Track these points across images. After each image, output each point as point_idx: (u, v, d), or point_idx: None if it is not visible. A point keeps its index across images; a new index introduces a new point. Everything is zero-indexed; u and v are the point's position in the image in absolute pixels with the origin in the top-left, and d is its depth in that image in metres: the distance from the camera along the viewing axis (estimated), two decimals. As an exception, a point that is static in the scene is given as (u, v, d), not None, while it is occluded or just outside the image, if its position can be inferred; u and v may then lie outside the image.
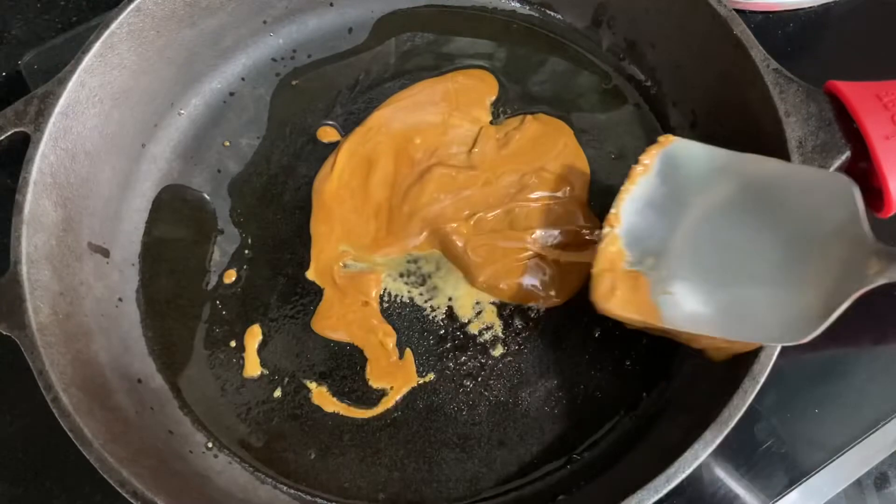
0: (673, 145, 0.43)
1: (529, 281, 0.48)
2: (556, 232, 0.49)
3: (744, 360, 0.39)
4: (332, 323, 0.49)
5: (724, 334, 0.39)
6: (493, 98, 0.55)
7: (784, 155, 0.41)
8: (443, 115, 0.53)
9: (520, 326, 0.48)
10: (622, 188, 0.43)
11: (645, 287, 0.41)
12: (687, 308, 0.40)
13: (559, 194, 0.50)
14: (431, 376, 0.47)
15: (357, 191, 0.51)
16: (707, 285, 0.40)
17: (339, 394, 0.47)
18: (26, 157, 0.44)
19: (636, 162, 0.43)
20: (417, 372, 0.47)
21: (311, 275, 0.50)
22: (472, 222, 0.49)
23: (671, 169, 0.43)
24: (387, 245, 0.50)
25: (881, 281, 0.34)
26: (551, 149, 0.52)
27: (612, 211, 0.43)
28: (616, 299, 0.41)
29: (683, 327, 0.40)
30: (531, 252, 0.49)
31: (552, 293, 0.48)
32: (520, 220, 0.50)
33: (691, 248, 0.42)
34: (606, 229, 0.43)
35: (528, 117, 0.53)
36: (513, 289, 0.48)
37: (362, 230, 0.50)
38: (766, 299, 0.38)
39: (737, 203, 0.41)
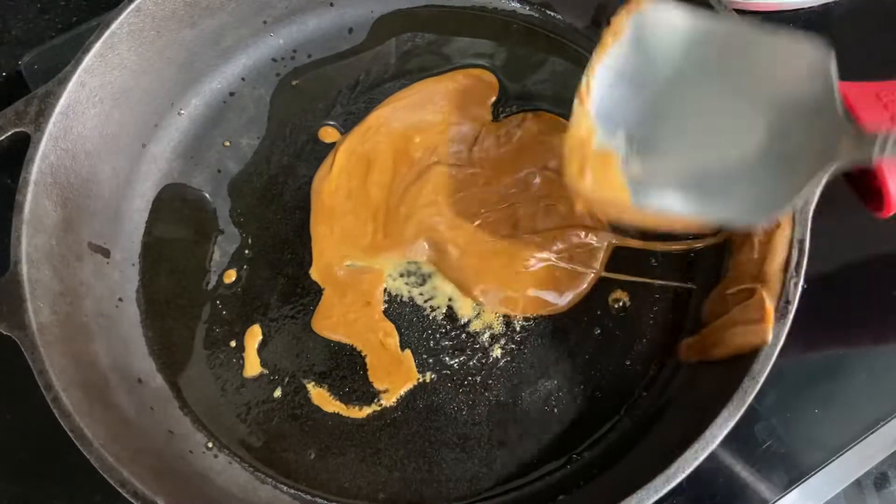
0: (645, 11, 0.40)
1: (533, 292, 0.48)
2: (560, 234, 0.48)
3: (744, 360, 0.39)
4: (332, 323, 0.48)
5: (690, 210, 0.37)
6: (494, 98, 0.55)
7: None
8: (443, 114, 0.53)
9: (520, 326, 0.48)
10: (593, 57, 0.40)
11: (615, 164, 0.39)
12: (656, 185, 0.38)
13: (563, 194, 0.50)
14: (431, 376, 0.47)
15: (356, 191, 0.51)
16: (678, 159, 0.38)
17: (338, 394, 0.47)
18: (26, 157, 0.44)
19: (608, 24, 0.40)
20: (417, 371, 0.47)
21: (314, 274, 0.50)
22: (472, 227, 0.49)
23: (643, 36, 0.40)
24: (384, 249, 0.49)
25: (848, 159, 0.32)
26: (554, 147, 0.52)
27: (583, 83, 0.40)
28: (587, 179, 0.39)
29: (652, 206, 0.38)
30: (534, 260, 0.48)
31: (556, 302, 0.48)
32: (523, 222, 0.49)
33: (664, 120, 0.40)
34: (576, 102, 0.40)
35: (529, 115, 0.53)
36: (514, 300, 0.48)
37: (360, 232, 0.50)
38: (736, 174, 0.37)
39: (711, 72, 0.39)
